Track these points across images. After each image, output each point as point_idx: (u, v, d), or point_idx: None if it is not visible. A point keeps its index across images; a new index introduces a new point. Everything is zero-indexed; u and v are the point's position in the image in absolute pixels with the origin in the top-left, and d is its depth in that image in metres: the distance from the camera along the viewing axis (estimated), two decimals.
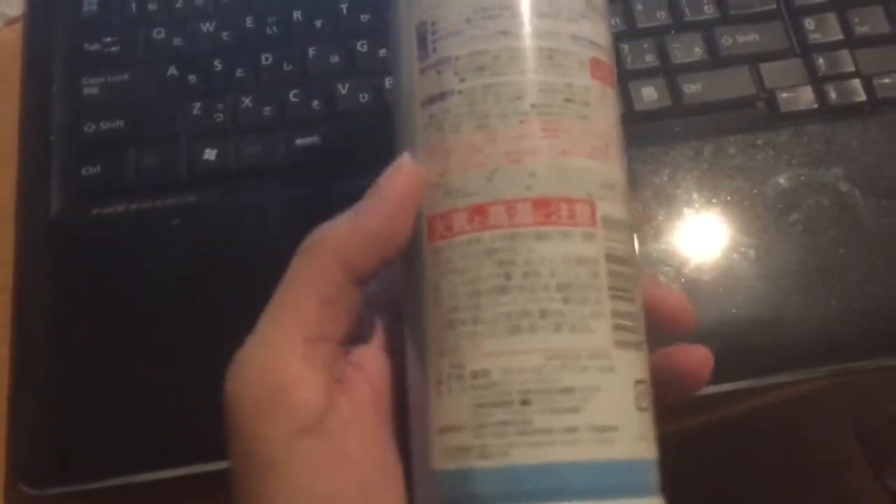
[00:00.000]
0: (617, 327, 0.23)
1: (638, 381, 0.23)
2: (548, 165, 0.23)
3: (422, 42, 0.25)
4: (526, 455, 0.22)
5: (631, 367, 0.23)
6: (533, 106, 0.23)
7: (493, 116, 0.24)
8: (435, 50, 0.25)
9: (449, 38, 0.24)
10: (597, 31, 0.25)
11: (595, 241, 0.23)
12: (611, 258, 0.23)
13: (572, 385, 0.22)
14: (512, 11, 0.24)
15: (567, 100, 0.24)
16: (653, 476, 0.23)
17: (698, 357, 0.26)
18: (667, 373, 0.26)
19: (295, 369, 0.22)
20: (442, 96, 0.24)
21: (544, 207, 0.23)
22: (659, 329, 0.26)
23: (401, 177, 0.24)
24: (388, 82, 0.40)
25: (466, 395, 0.22)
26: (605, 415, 0.22)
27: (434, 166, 0.24)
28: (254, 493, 0.22)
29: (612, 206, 0.24)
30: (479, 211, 0.23)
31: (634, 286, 0.24)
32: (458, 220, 0.23)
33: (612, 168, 0.24)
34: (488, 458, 0.22)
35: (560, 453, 0.21)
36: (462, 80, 0.24)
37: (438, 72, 0.24)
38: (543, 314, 0.22)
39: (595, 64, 0.24)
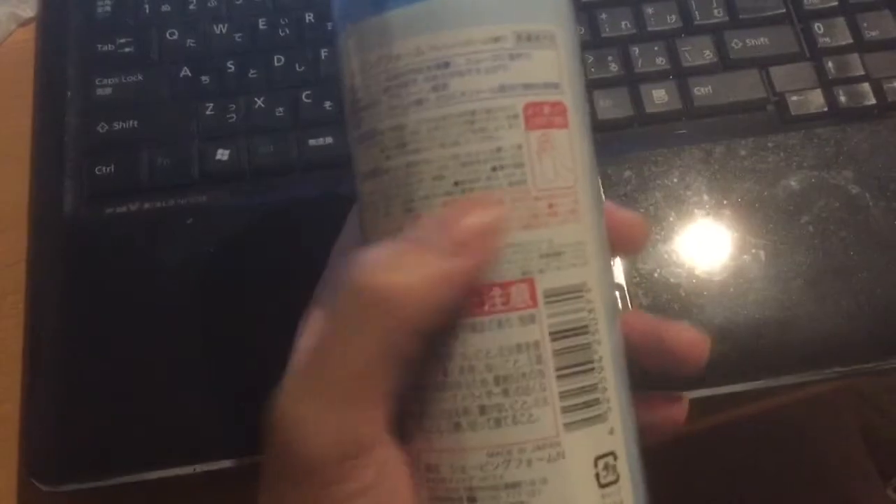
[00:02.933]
0: (567, 409, 0.22)
1: (599, 457, 0.22)
2: None
3: (352, 110, 0.24)
4: None
5: (588, 445, 0.22)
6: (456, 184, 0.21)
7: (418, 199, 0.22)
8: (362, 121, 0.23)
9: (371, 109, 0.23)
10: (536, 67, 0.22)
11: (535, 323, 0.22)
12: (558, 335, 0.22)
13: (518, 480, 0.21)
14: (425, 75, 0.22)
15: (494, 168, 0.22)
16: None
17: (690, 338, 0.26)
18: (662, 356, 0.26)
19: (368, 436, 0.21)
20: (373, 173, 0.23)
21: (476, 297, 0.22)
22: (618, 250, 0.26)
23: (498, 231, 0.21)
24: None
25: (423, 487, 0.22)
26: (558, 503, 0.21)
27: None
28: None
29: (559, 275, 0.22)
30: None
31: (594, 352, 0.22)
32: None
33: (559, 229, 0.22)
34: None
35: None
36: (387, 157, 0.22)
37: (367, 146, 0.23)
38: (483, 410, 0.22)
39: (531, 111, 0.22)
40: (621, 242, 0.26)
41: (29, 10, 0.45)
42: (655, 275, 0.37)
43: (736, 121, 0.40)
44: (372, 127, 0.23)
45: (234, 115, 0.40)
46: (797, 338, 0.36)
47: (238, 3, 0.43)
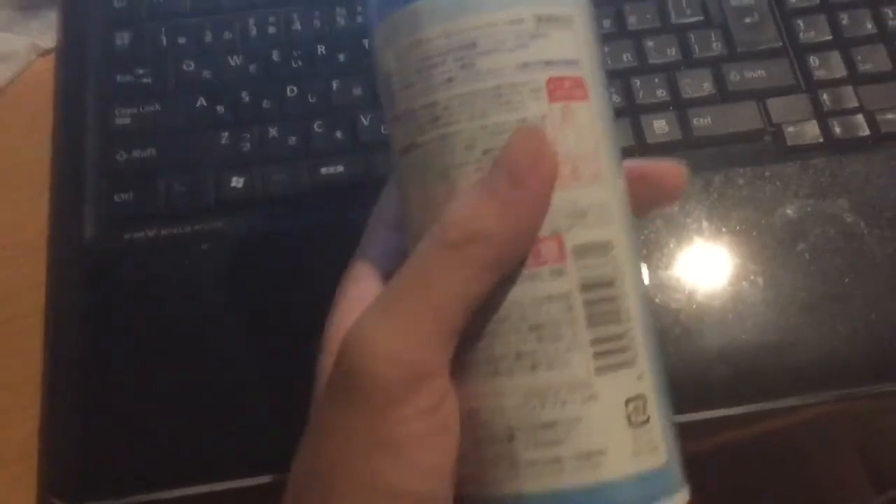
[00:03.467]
0: (599, 354, 0.23)
1: (630, 399, 0.23)
2: None
3: (388, 95, 0.26)
4: (515, 486, 0.23)
5: (619, 388, 0.23)
6: (485, 152, 0.23)
7: (452, 168, 0.24)
8: (397, 103, 0.25)
9: (406, 90, 0.25)
10: (556, 45, 0.24)
11: (565, 276, 0.23)
12: (587, 287, 0.23)
13: (553, 419, 0.23)
14: (454, 56, 0.24)
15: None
16: (662, 481, 0.24)
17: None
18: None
19: (431, 364, 0.23)
20: (408, 149, 0.25)
21: None
22: (651, 193, 0.28)
23: (545, 162, 0.23)
24: None
25: (465, 431, 0.24)
26: (590, 441, 0.23)
27: (411, 218, 0.25)
28: (355, 464, 0.23)
29: (586, 232, 0.24)
30: None
31: (621, 303, 0.24)
32: None
33: (583, 191, 0.24)
34: (484, 488, 0.24)
35: (546, 483, 0.23)
36: (422, 132, 0.24)
37: (403, 124, 0.25)
38: (518, 356, 0.23)
39: (553, 85, 0.24)
40: (661, 189, 0.28)
41: (49, 41, 0.47)
42: (657, 300, 0.38)
43: (734, 151, 0.41)
44: (407, 107, 0.25)
45: (248, 144, 0.41)
46: (794, 361, 0.37)
47: (252, 35, 0.44)
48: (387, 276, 0.26)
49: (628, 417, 0.23)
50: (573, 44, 0.25)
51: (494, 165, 0.23)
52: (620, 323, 0.24)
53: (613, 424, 0.23)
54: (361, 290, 0.26)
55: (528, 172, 0.23)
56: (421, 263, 0.23)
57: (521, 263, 0.23)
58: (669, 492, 0.24)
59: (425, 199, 0.25)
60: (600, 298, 0.24)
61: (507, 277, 0.23)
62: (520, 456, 0.23)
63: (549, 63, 0.24)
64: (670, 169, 0.28)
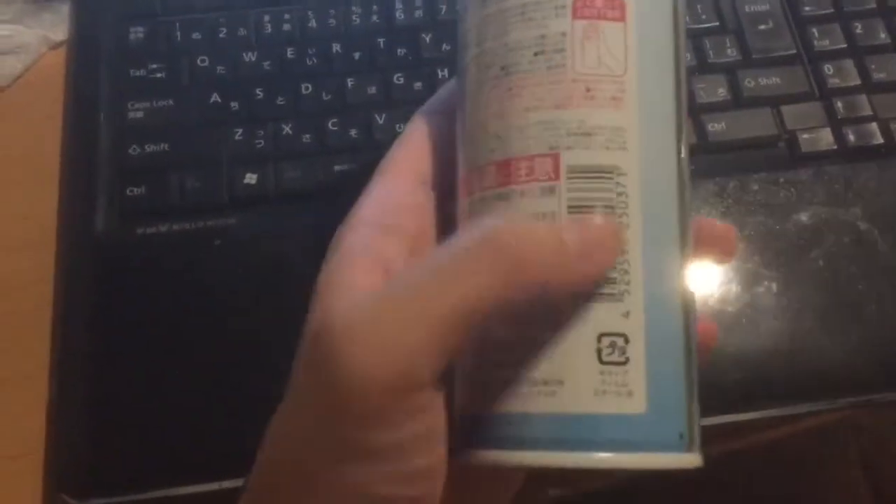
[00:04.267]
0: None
1: (605, 334, 0.23)
2: (509, 126, 0.24)
3: (460, 18, 0.26)
4: (483, 406, 0.23)
5: (594, 319, 0.23)
6: (502, 69, 0.24)
7: (480, 84, 0.25)
8: (458, 29, 0.26)
9: (462, 17, 0.26)
10: None
11: (555, 195, 0.23)
12: (576, 209, 0.23)
13: (520, 339, 0.23)
14: None
15: (536, 53, 0.23)
16: (640, 431, 0.22)
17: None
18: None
19: (425, 378, 0.21)
20: (459, 74, 0.26)
21: (504, 168, 0.24)
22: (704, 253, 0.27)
23: (615, 251, 0.23)
24: None
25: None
26: (548, 368, 0.22)
27: (459, 133, 0.26)
28: (328, 469, 0.22)
29: (587, 154, 0.23)
30: (464, 178, 0.25)
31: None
32: (458, 186, 0.25)
33: (594, 112, 0.23)
34: (464, 407, 0.24)
35: (502, 405, 0.23)
36: (464, 56, 0.26)
37: (458, 50, 0.26)
38: None
39: (581, 2, 0.23)
40: (712, 251, 0.28)
41: (60, 34, 0.47)
42: None
43: (748, 157, 0.41)
44: (461, 32, 0.26)
45: (262, 141, 0.41)
46: (807, 368, 0.37)
47: (267, 32, 0.44)
48: (385, 227, 0.25)
49: (598, 352, 0.22)
50: None
51: (574, 221, 0.23)
52: None
53: (580, 354, 0.22)
54: (361, 237, 0.25)
55: (597, 257, 0.22)
56: (454, 249, 0.22)
57: (514, 179, 0.23)
58: (654, 446, 0.23)
59: (463, 116, 0.25)
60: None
61: (497, 195, 0.23)
62: (491, 375, 0.23)
63: None
64: (724, 232, 0.28)
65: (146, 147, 0.41)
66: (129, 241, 0.39)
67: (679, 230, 0.24)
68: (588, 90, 0.23)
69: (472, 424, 0.24)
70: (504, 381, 0.23)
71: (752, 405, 0.37)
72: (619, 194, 0.23)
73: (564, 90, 0.23)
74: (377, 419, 0.21)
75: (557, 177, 0.23)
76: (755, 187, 0.40)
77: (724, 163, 0.41)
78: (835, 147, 0.41)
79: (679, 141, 0.24)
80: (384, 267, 0.24)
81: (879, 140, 0.41)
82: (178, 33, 0.44)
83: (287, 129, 0.42)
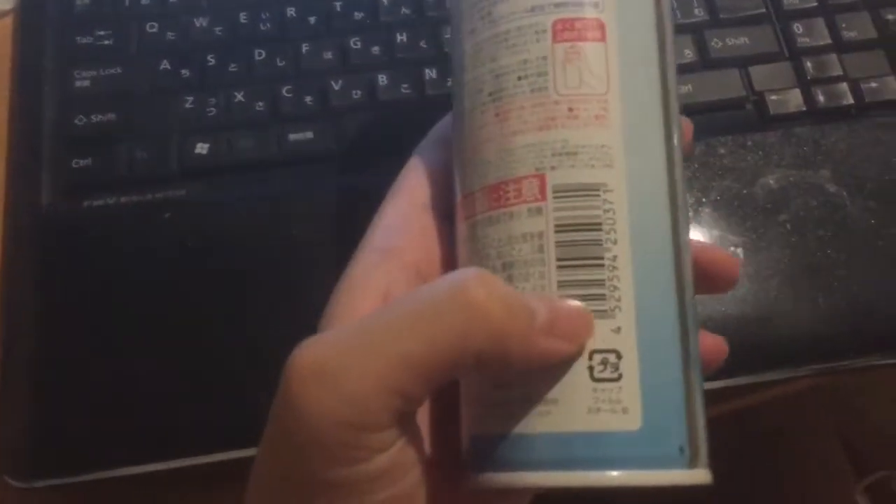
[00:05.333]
0: (565, 298, 0.23)
1: (596, 351, 0.23)
2: (498, 150, 0.24)
3: (452, 48, 0.27)
4: (484, 426, 0.24)
5: None
6: (490, 94, 0.24)
7: (471, 110, 0.25)
8: (453, 52, 0.27)
9: (457, 43, 0.26)
10: None
11: (542, 215, 0.23)
12: (563, 227, 0.23)
13: None
14: (477, 8, 0.25)
15: (520, 77, 0.24)
16: (638, 448, 0.22)
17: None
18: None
19: (384, 418, 0.21)
20: (457, 97, 0.26)
21: (494, 192, 0.24)
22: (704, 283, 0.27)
23: (586, 336, 0.23)
24: (380, 79, 0.40)
25: None
26: (543, 388, 0.22)
27: (454, 158, 0.26)
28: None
29: (572, 173, 0.23)
30: (460, 203, 0.26)
31: (605, 250, 0.23)
32: (456, 211, 0.26)
33: (578, 131, 0.24)
34: (469, 427, 0.24)
35: (501, 426, 0.23)
36: (460, 80, 0.26)
37: (456, 73, 0.27)
38: None
39: (561, 26, 0.24)
40: (710, 280, 0.28)
41: (7, 2, 0.45)
42: None
43: (715, 119, 0.40)
44: (453, 63, 0.27)
45: (213, 109, 0.40)
46: (775, 335, 0.36)
47: None
48: (388, 251, 0.25)
49: (590, 369, 0.22)
50: None
51: (543, 297, 0.22)
52: (601, 269, 0.23)
53: (571, 374, 0.22)
54: (363, 264, 0.25)
55: (570, 337, 0.22)
56: (419, 296, 0.22)
57: (503, 201, 0.24)
58: (653, 463, 0.22)
59: (456, 147, 0.26)
60: (578, 241, 0.23)
61: (487, 218, 0.24)
62: (490, 397, 0.23)
63: (559, 5, 0.24)
64: (725, 260, 0.28)
65: (93, 117, 0.40)
66: (75, 214, 0.38)
67: (672, 242, 0.24)
68: (571, 110, 0.24)
69: (475, 446, 0.24)
70: (502, 403, 0.23)
71: (717, 373, 0.36)
72: (607, 211, 0.23)
73: (547, 112, 0.24)
74: (339, 457, 0.21)
75: (544, 197, 0.23)
76: (722, 150, 0.39)
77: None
78: (804, 108, 0.40)
79: (670, 151, 0.25)
80: (384, 292, 0.25)
81: (850, 100, 0.40)
82: None
83: (240, 96, 0.40)
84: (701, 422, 0.24)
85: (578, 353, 0.22)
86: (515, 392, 0.23)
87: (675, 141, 0.25)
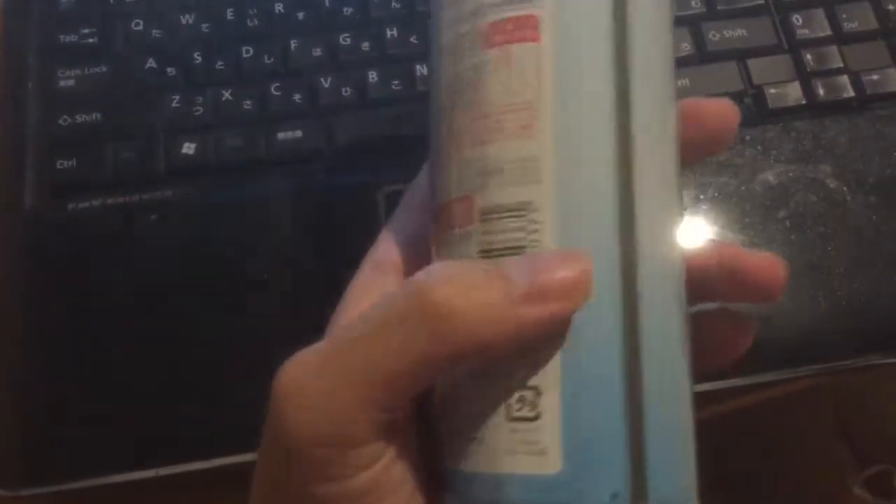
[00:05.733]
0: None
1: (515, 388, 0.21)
2: (441, 169, 0.22)
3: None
4: (441, 457, 0.23)
5: (505, 374, 0.21)
6: (440, 110, 0.23)
7: (430, 126, 0.23)
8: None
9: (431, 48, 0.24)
10: None
11: (471, 240, 0.21)
12: (486, 253, 0.21)
13: (445, 397, 0.22)
14: (434, 19, 0.23)
15: (457, 91, 0.22)
16: (564, 493, 0.20)
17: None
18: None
19: (363, 433, 0.21)
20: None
21: (438, 215, 0.23)
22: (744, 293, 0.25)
23: (579, 296, 0.20)
24: (370, 76, 0.39)
25: None
26: (468, 426, 0.21)
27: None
28: None
29: (498, 193, 0.21)
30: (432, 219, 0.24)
31: None
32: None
33: (503, 145, 0.21)
34: (439, 457, 0.23)
35: (451, 460, 0.22)
36: (431, 94, 0.24)
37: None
38: None
39: (493, 29, 0.21)
40: (755, 289, 0.25)
41: None
42: None
43: None
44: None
45: (200, 108, 0.39)
46: (774, 335, 0.35)
47: None
48: (405, 263, 0.25)
49: (508, 408, 0.21)
50: None
51: (523, 258, 0.20)
52: None
53: (489, 412, 0.21)
54: (369, 280, 0.25)
55: (547, 298, 0.19)
56: (382, 309, 0.20)
57: (445, 227, 0.22)
58: None
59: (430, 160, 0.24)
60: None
61: (435, 242, 0.22)
62: (440, 430, 0.22)
63: (493, 6, 0.21)
64: (761, 265, 0.25)
65: (77, 117, 0.39)
66: (59, 216, 0.37)
67: (619, 262, 0.21)
68: (497, 122, 0.21)
69: (441, 473, 0.23)
70: (449, 436, 0.22)
71: (717, 374, 0.35)
72: (532, 232, 0.21)
73: (477, 127, 0.21)
74: (323, 474, 0.21)
75: (472, 221, 0.21)
76: None
77: None
78: (803, 101, 0.39)
79: (626, 158, 0.21)
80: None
81: (850, 93, 0.39)
82: None
83: (227, 94, 0.39)
84: (661, 460, 0.21)
85: (563, 315, 0.20)
86: (457, 426, 0.22)
87: (643, 143, 0.21)
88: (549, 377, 0.20)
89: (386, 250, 0.25)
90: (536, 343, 0.20)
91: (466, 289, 0.20)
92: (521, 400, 0.20)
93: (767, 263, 0.25)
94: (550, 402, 0.20)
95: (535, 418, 0.20)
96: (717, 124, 0.25)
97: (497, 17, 0.21)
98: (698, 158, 0.26)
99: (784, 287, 0.25)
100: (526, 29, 0.21)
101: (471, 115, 0.22)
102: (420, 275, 0.21)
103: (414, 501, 0.22)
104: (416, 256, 0.24)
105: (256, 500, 0.23)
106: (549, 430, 0.20)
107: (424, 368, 0.20)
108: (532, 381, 0.20)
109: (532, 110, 0.21)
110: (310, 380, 0.21)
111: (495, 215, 0.21)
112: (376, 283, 0.24)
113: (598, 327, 0.20)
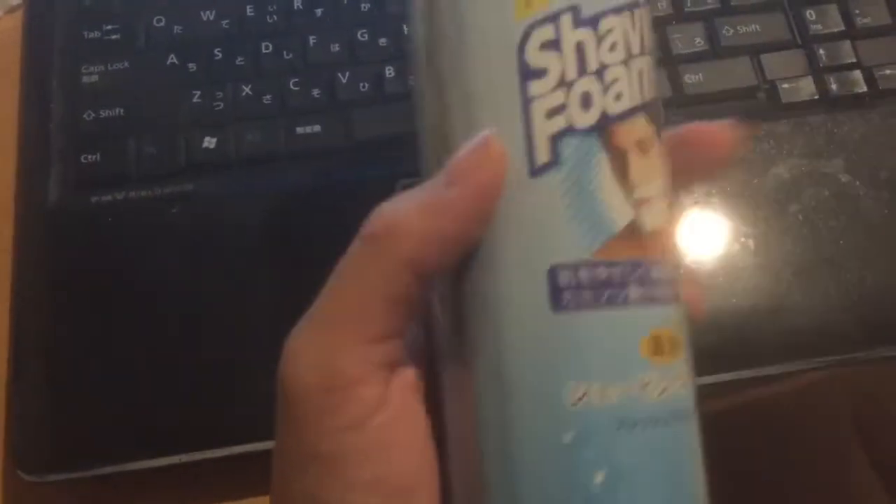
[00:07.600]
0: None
1: None
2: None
3: None
4: None
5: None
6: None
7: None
8: None
9: None
10: None
11: None
12: None
13: None
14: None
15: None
16: None
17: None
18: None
19: (354, 369, 0.21)
20: None
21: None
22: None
23: (490, 163, 0.21)
24: (388, 71, 0.40)
25: None
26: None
27: None
28: (296, 479, 0.22)
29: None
30: None
31: None
32: None
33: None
34: None
35: None
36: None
37: None
38: None
39: None
40: (702, 158, 0.24)
41: None
42: None
43: (726, 108, 0.40)
44: None
45: (221, 103, 0.40)
46: (786, 327, 0.36)
47: None
48: None
49: None
50: None
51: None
52: None
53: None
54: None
55: (462, 176, 0.21)
56: (343, 260, 0.22)
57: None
58: None
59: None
60: None
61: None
62: None
63: None
64: (718, 130, 0.24)
65: (101, 112, 0.40)
66: (84, 209, 0.38)
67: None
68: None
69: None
70: None
71: (728, 365, 0.35)
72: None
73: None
74: (332, 425, 0.21)
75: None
76: None
77: (701, 115, 0.38)
78: (816, 97, 0.40)
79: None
80: None
81: (863, 88, 0.40)
82: None
83: (247, 90, 0.40)
84: None
85: (489, 181, 0.20)
86: None
87: None
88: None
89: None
90: (482, 224, 0.21)
91: (395, 203, 0.21)
92: None
93: (716, 126, 0.24)
94: None
95: None
96: (709, 153, 0.25)
97: None
98: (691, 183, 0.26)
99: (734, 147, 0.24)
100: None
101: None
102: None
103: (427, 454, 0.23)
104: None
105: (276, 476, 0.23)
106: None
107: (390, 287, 0.21)
108: None
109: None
110: (301, 339, 0.22)
111: None
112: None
113: None
